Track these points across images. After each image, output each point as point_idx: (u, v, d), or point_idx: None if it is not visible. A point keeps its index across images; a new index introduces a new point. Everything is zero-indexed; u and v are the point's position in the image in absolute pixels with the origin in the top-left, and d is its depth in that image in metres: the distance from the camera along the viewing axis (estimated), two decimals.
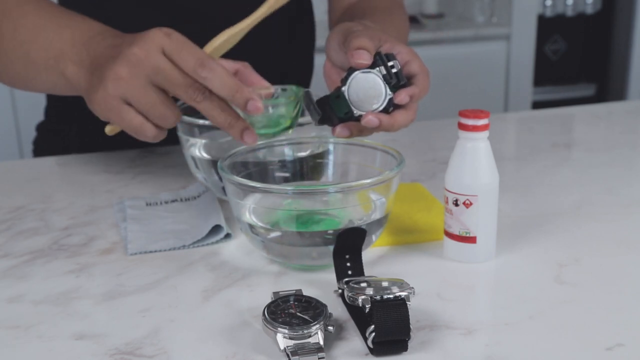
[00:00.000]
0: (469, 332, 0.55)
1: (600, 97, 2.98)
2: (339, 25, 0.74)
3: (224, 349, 0.54)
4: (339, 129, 0.66)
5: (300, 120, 0.75)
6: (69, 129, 1.08)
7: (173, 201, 0.83)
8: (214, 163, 0.77)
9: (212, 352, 0.54)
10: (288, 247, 0.65)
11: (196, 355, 0.53)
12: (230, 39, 0.67)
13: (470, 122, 0.64)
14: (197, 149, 0.81)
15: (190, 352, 0.54)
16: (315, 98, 0.66)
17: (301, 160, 0.75)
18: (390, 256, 0.69)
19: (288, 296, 0.56)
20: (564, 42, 3.00)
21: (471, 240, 0.66)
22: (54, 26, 0.71)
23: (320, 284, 0.64)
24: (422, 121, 1.28)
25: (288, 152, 0.75)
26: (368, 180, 0.62)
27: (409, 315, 0.52)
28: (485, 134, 0.65)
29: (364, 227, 0.64)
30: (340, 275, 0.61)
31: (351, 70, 0.65)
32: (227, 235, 0.73)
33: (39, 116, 1.14)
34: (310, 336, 0.52)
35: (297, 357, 0.50)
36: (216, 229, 0.73)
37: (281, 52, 1.06)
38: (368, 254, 0.68)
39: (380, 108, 0.64)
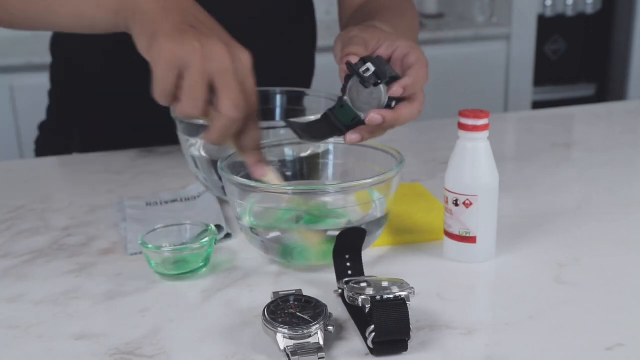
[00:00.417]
0: (469, 332, 0.55)
1: (600, 97, 2.98)
2: (342, 32, 0.75)
3: (224, 349, 0.54)
4: (349, 135, 0.66)
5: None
6: (70, 128, 1.08)
7: (173, 201, 0.83)
8: (214, 163, 0.77)
9: (212, 352, 0.54)
10: (288, 247, 0.65)
11: (196, 355, 0.53)
12: None
13: (470, 122, 0.64)
14: (197, 149, 0.81)
15: (190, 352, 0.54)
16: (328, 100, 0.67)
17: (301, 160, 0.75)
18: (390, 256, 0.69)
19: (288, 296, 0.56)
20: (564, 42, 3.00)
21: (471, 240, 0.66)
22: None
23: (320, 284, 0.64)
24: (422, 121, 1.28)
25: (288, 152, 0.75)
26: (368, 180, 0.62)
27: (409, 315, 0.52)
28: (485, 134, 0.65)
29: (363, 227, 0.64)
30: (340, 275, 0.61)
31: (348, 77, 0.65)
32: (227, 235, 0.73)
33: (39, 116, 1.14)
34: (310, 336, 0.52)
35: (297, 357, 0.50)
36: (216, 229, 0.73)
37: (282, 53, 1.06)
38: (368, 254, 0.68)
39: (383, 105, 0.65)
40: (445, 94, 2.56)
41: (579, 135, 1.17)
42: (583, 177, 0.93)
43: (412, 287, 0.54)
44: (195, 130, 0.80)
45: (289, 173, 0.74)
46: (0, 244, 0.75)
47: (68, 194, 0.90)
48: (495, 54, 2.67)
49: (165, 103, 0.62)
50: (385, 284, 0.54)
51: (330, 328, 0.53)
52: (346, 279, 0.57)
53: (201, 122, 0.78)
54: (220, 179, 0.76)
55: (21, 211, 0.84)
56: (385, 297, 0.52)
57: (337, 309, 0.59)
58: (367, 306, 0.52)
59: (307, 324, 0.52)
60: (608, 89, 2.98)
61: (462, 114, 0.65)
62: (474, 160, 0.65)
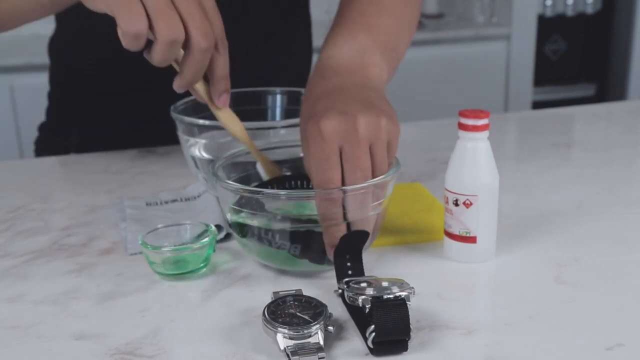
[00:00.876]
0: (469, 332, 0.55)
1: (600, 97, 2.98)
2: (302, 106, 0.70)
3: (224, 349, 0.54)
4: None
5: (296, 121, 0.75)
6: (69, 129, 1.08)
7: (173, 201, 0.83)
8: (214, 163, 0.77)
9: (212, 352, 0.54)
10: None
11: (196, 355, 0.53)
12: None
13: (470, 122, 0.64)
14: (197, 149, 0.81)
15: (190, 352, 0.54)
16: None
17: (301, 160, 0.75)
18: (390, 256, 0.69)
19: (288, 296, 0.56)
20: (564, 42, 3.00)
21: (471, 240, 0.66)
22: None
23: (320, 284, 0.64)
24: (422, 121, 1.28)
25: (288, 153, 0.74)
26: (363, 184, 0.62)
27: (409, 315, 0.52)
28: (485, 134, 0.65)
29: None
30: (340, 275, 0.61)
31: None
32: (227, 235, 0.73)
33: (39, 116, 1.14)
34: (310, 336, 0.52)
35: (297, 357, 0.50)
36: (216, 229, 0.73)
37: (277, 52, 1.06)
38: (368, 254, 0.68)
39: None
40: (445, 94, 2.56)
41: (579, 135, 1.17)
42: (583, 177, 0.93)
43: (412, 287, 0.54)
44: (195, 131, 0.80)
45: (288, 173, 0.74)
46: (0, 244, 0.75)
47: (68, 194, 0.90)
48: (495, 54, 2.67)
49: (136, 47, 0.61)
50: (385, 284, 0.54)
51: (330, 328, 0.53)
52: (346, 279, 0.57)
53: (201, 122, 0.78)
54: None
55: (21, 211, 0.84)
56: (385, 297, 0.52)
57: (337, 309, 0.59)
58: (367, 306, 0.52)
59: (307, 324, 0.52)
60: (608, 89, 2.99)
61: (462, 114, 0.65)
62: (474, 160, 0.65)
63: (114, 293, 0.63)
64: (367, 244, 0.64)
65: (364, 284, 0.54)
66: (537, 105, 2.77)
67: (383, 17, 0.76)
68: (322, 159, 0.61)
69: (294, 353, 0.50)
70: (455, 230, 0.66)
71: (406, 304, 0.52)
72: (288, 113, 0.92)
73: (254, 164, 0.72)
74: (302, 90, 0.93)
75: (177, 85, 0.64)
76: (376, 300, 0.52)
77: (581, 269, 0.66)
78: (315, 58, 1.15)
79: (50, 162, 1.04)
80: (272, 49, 1.04)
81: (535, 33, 2.71)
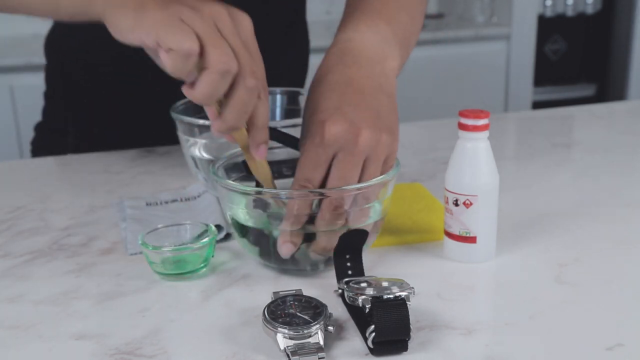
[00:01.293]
0: (469, 332, 0.55)
1: (600, 97, 2.98)
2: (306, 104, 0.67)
3: (224, 349, 0.54)
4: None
5: (297, 121, 0.75)
6: (66, 129, 1.08)
7: (173, 201, 0.83)
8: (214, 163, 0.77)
9: (212, 352, 0.54)
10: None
11: (196, 355, 0.53)
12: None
13: (470, 122, 0.64)
14: (197, 149, 0.81)
15: (190, 352, 0.54)
16: None
17: (296, 161, 0.75)
18: (390, 256, 0.69)
19: (288, 296, 0.56)
20: (564, 42, 3.00)
21: (471, 240, 0.66)
22: None
23: (320, 284, 0.64)
24: (422, 121, 1.28)
25: (286, 152, 0.74)
26: (363, 184, 0.62)
27: (409, 315, 0.52)
28: (485, 134, 0.65)
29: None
30: (340, 275, 0.61)
31: None
32: (227, 236, 0.73)
33: (39, 116, 1.14)
34: (310, 336, 0.52)
35: (297, 357, 0.50)
36: (216, 229, 0.73)
37: (275, 58, 1.06)
38: (368, 254, 0.68)
39: None
40: (445, 94, 2.56)
41: (579, 135, 1.17)
42: (583, 177, 0.93)
43: (412, 287, 0.54)
44: (195, 131, 0.80)
45: (288, 172, 0.74)
46: (0, 244, 0.75)
47: (68, 194, 0.90)
48: (495, 54, 2.67)
49: (182, 71, 0.55)
50: (385, 284, 0.54)
51: (330, 328, 0.53)
52: (346, 279, 0.57)
53: (201, 122, 0.78)
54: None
55: (21, 211, 0.84)
56: (385, 297, 0.52)
57: (337, 309, 0.59)
58: (367, 306, 0.52)
59: (307, 324, 0.52)
60: (608, 89, 2.99)
61: (462, 114, 0.65)
62: (474, 160, 0.65)
63: (114, 293, 0.63)
64: (366, 243, 0.64)
65: (364, 284, 0.54)
66: (537, 105, 2.77)
67: (402, 13, 0.75)
68: (313, 161, 0.61)
69: (294, 353, 0.50)
70: (455, 230, 0.66)
71: (406, 304, 0.52)
72: (288, 113, 0.92)
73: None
74: (298, 90, 0.93)
75: (217, 130, 0.59)
76: (376, 300, 0.52)
77: (581, 269, 0.66)
78: (314, 60, 1.15)
79: (51, 162, 1.04)
80: (272, 60, 1.04)
81: (535, 33, 2.70)
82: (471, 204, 0.65)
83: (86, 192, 0.89)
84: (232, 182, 0.64)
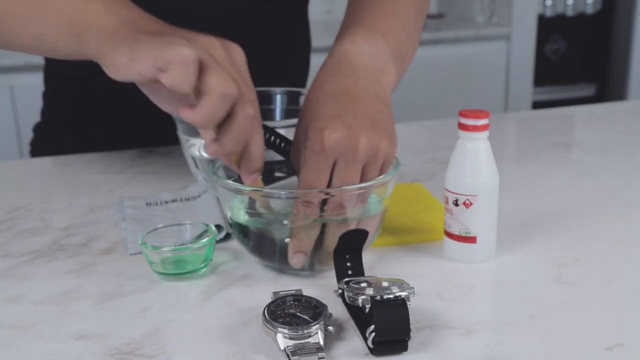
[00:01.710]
0: (469, 332, 0.55)
1: (600, 97, 2.98)
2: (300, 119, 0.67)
3: (224, 349, 0.54)
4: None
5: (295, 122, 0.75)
6: (65, 130, 1.08)
7: (173, 201, 0.83)
8: (214, 163, 0.77)
9: (212, 352, 0.54)
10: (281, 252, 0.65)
11: (196, 355, 0.53)
12: None
13: (470, 122, 0.64)
14: (197, 149, 0.81)
15: (190, 352, 0.54)
16: None
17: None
18: (390, 256, 0.69)
19: (288, 296, 0.56)
20: (564, 42, 3.00)
21: (471, 240, 0.66)
22: None
23: (320, 284, 0.64)
24: (422, 121, 1.28)
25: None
26: (363, 184, 0.62)
27: (409, 315, 0.52)
28: (485, 134, 0.65)
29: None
30: (340, 275, 0.61)
31: None
32: (227, 236, 0.73)
33: (38, 117, 1.14)
34: (310, 336, 0.52)
35: (297, 357, 0.50)
36: (216, 229, 0.73)
37: (276, 58, 1.06)
38: (368, 254, 0.68)
39: None
40: (445, 94, 2.56)
41: (579, 135, 1.17)
42: (583, 177, 0.93)
43: (412, 287, 0.54)
44: (196, 131, 0.80)
45: (281, 174, 0.74)
46: (0, 244, 0.75)
47: (68, 194, 0.90)
48: (495, 54, 2.67)
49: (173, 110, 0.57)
50: (385, 284, 0.54)
51: (330, 328, 0.53)
52: (346, 279, 0.57)
53: None
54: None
55: (21, 211, 0.84)
56: (385, 297, 0.52)
57: (337, 309, 0.59)
58: (367, 306, 0.52)
59: (307, 324, 0.53)
60: (608, 89, 2.99)
61: (462, 114, 0.65)
62: (474, 160, 0.65)
63: (114, 293, 0.63)
64: (366, 243, 0.64)
65: (364, 284, 0.54)
66: (537, 105, 2.77)
67: (399, 28, 0.76)
68: (315, 169, 0.61)
69: (294, 353, 0.50)
70: (455, 230, 0.66)
71: (406, 304, 0.52)
72: (288, 113, 0.92)
73: None
74: (299, 90, 0.93)
75: (214, 154, 0.60)
76: (376, 300, 0.52)
77: (581, 269, 0.66)
78: (314, 60, 1.15)
79: (50, 162, 1.04)
80: (273, 60, 1.04)
81: (535, 33, 2.71)
82: (471, 204, 0.65)
83: (86, 192, 0.89)
84: (231, 181, 0.64)
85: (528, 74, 2.73)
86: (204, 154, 0.80)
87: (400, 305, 0.52)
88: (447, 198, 0.66)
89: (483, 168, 0.65)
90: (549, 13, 2.90)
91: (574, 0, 2.91)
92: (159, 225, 0.68)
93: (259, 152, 0.61)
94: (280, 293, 0.58)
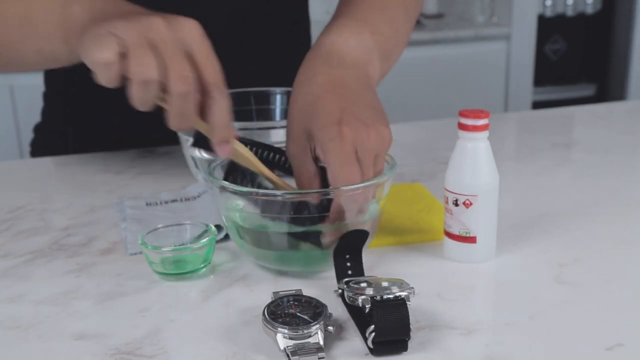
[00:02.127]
0: (469, 332, 0.55)
1: (600, 97, 2.98)
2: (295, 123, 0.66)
3: (224, 349, 0.54)
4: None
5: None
6: (65, 130, 1.08)
7: (173, 201, 0.83)
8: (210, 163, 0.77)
9: (212, 352, 0.54)
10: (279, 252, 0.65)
11: (196, 355, 0.53)
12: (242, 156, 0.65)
13: (470, 122, 0.64)
14: (197, 149, 0.81)
15: (190, 352, 0.54)
16: None
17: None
18: (390, 256, 0.69)
19: (288, 296, 0.56)
20: (564, 42, 3.00)
21: (471, 240, 0.66)
22: None
23: (320, 284, 0.64)
24: (422, 121, 1.28)
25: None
26: (359, 185, 0.62)
27: (409, 315, 0.52)
28: (485, 134, 0.65)
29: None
30: (340, 275, 0.61)
31: None
32: (227, 236, 0.73)
33: (38, 117, 1.14)
34: (310, 336, 0.52)
35: (297, 357, 0.50)
36: (216, 229, 0.73)
37: (277, 58, 1.06)
38: (368, 254, 0.68)
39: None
40: (445, 94, 2.56)
41: (579, 135, 1.17)
42: (583, 177, 0.93)
43: (412, 287, 0.54)
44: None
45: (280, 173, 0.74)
46: (0, 244, 0.75)
47: (68, 194, 0.90)
48: (495, 54, 2.67)
49: (108, 78, 0.58)
50: (385, 284, 0.54)
51: (330, 328, 0.53)
52: (346, 279, 0.57)
53: None
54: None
55: (21, 211, 0.84)
56: (385, 297, 0.52)
57: (337, 309, 0.59)
58: (367, 306, 0.52)
59: (307, 324, 0.53)
60: (608, 89, 2.99)
61: (462, 114, 0.65)
62: (474, 160, 0.65)
63: (114, 293, 0.63)
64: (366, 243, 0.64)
65: (363, 284, 0.54)
66: (537, 105, 2.77)
67: (386, 26, 0.76)
68: (347, 160, 0.61)
69: (293, 353, 0.50)
70: (455, 230, 0.66)
71: (406, 304, 0.52)
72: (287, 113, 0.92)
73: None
74: None
75: (170, 127, 0.61)
76: (376, 300, 0.52)
77: (581, 269, 0.66)
78: None
79: (50, 162, 1.04)
80: (274, 59, 1.04)
81: (535, 33, 2.70)
82: (471, 204, 0.65)
83: (86, 192, 0.89)
84: (226, 182, 0.64)
85: (528, 74, 2.72)
86: (204, 154, 0.80)
87: (400, 305, 0.52)
88: (447, 198, 0.66)
89: (483, 168, 0.65)
90: (549, 13, 2.90)
91: (574, 0, 2.91)
92: (159, 226, 0.68)
93: (220, 122, 0.60)
94: (280, 293, 0.58)
